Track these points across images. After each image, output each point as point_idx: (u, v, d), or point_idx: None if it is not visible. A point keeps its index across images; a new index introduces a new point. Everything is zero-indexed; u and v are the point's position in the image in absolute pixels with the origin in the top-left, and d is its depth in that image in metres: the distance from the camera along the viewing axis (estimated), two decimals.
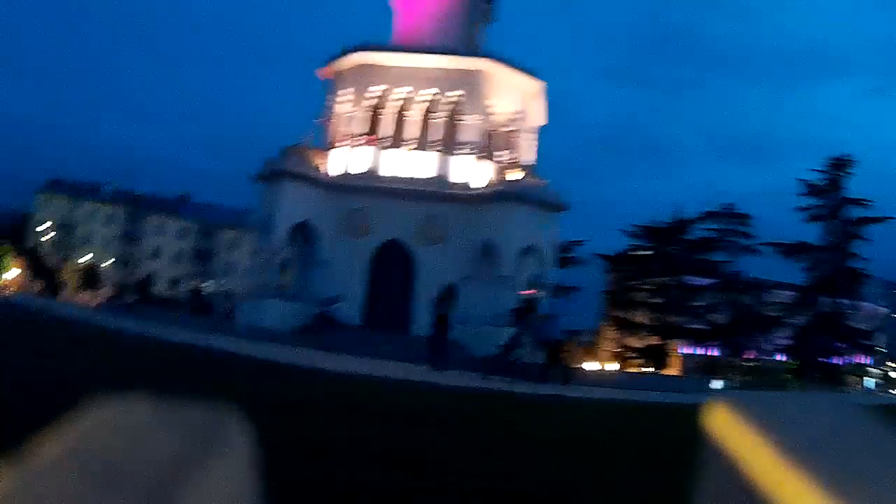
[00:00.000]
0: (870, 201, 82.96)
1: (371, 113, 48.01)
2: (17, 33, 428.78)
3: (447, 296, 29.99)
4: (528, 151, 49.43)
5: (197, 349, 18.73)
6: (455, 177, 45.57)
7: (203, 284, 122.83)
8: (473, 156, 45.89)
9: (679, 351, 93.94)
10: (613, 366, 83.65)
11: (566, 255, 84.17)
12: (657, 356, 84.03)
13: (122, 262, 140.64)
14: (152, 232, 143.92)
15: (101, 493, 0.34)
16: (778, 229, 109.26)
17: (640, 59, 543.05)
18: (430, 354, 27.87)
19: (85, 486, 0.35)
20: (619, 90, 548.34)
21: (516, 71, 48.70)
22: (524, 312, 39.77)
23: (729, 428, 0.41)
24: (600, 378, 38.96)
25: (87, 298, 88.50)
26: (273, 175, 45.79)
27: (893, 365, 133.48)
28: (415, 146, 46.51)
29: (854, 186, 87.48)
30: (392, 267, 43.77)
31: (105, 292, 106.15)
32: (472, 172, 45.39)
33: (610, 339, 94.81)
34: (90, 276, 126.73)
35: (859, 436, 0.40)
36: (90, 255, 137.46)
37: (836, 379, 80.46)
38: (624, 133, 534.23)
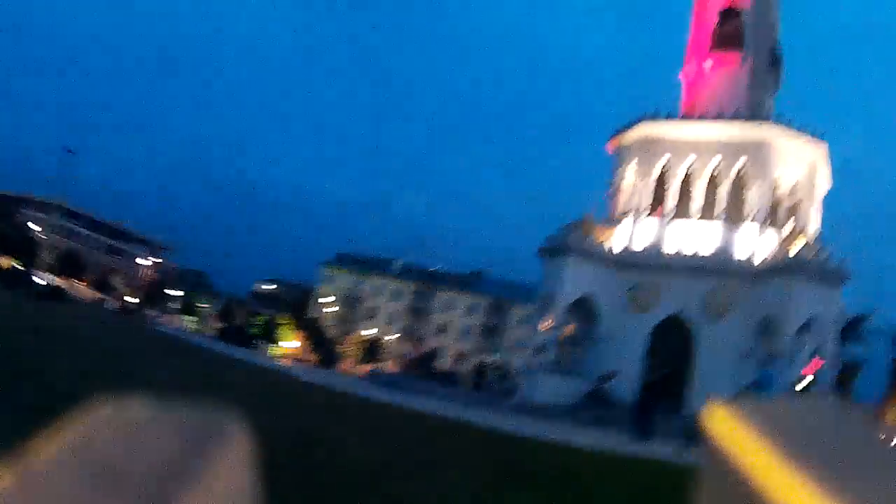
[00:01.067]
0: None
1: (655, 185, 48.34)
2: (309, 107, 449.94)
3: (658, 364, 29.52)
4: (812, 219, 48.60)
5: (423, 415, 19.14)
6: (738, 249, 45.37)
7: (488, 359, 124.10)
8: (757, 225, 45.52)
9: None
10: None
11: (853, 329, 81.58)
12: None
13: (408, 337, 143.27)
14: (442, 307, 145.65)
15: (101, 493, 0.35)
16: None
17: None
18: (634, 424, 26.99)
19: (85, 486, 0.35)
20: None
21: (800, 135, 48.16)
22: (805, 387, 39.06)
23: (730, 431, 0.41)
24: None
25: (365, 370, 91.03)
26: (556, 250, 46.52)
27: None
28: (699, 216, 46.51)
29: None
30: (672, 343, 43.57)
31: (384, 365, 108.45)
32: (755, 244, 45.03)
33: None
34: (371, 349, 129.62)
35: (859, 439, 0.40)
36: (374, 329, 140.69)
37: None
38: None
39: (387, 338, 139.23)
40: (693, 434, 26.83)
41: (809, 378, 40.72)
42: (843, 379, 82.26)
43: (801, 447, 0.38)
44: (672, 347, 42.74)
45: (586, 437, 22.03)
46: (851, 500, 0.35)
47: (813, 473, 0.37)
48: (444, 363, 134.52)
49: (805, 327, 42.43)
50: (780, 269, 42.50)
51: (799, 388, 38.98)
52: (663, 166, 48.20)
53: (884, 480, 0.37)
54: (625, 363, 43.06)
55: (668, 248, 46.34)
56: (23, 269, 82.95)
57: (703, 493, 0.42)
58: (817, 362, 42.73)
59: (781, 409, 0.42)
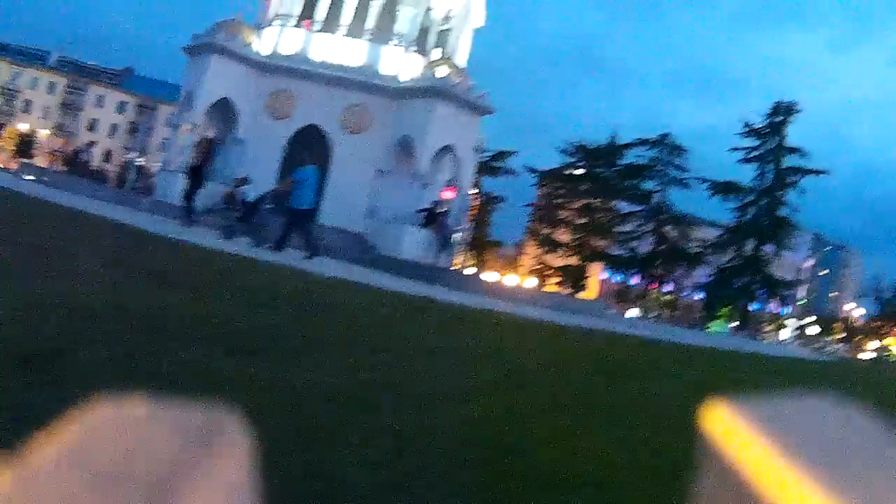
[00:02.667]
0: (807, 151, 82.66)
1: None
2: None
3: (202, 150, 30.42)
4: (460, 51, 48.41)
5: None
6: (384, 68, 44.41)
7: (134, 159, 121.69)
8: (404, 48, 44.86)
9: (598, 275, 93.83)
10: (532, 282, 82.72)
11: (496, 165, 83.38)
12: (575, 277, 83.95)
13: (60, 133, 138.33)
14: (92, 103, 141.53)
15: (101, 493, 0.34)
16: (717, 169, 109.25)
17: None
18: (183, 212, 29.00)
19: (85, 486, 0.34)
20: (578, 6, 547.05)
21: None
22: (435, 213, 39.20)
23: (728, 429, 0.41)
24: (494, 288, 37.96)
25: (17, 166, 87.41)
26: (201, 48, 44.64)
27: (811, 319, 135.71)
28: (346, 32, 45.38)
29: (796, 137, 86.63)
30: (308, 153, 42.77)
31: (36, 161, 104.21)
32: (402, 65, 44.25)
33: (531, 255, 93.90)
34: (24, 144, 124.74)
35: (858, 437, 0.40)
36: (27, 123, 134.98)
37: (750, 324, 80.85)
38: (578, 51, 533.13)
39: (39, 132, 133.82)
40: (315, 244, 26.53)
41: (447, 201, 40.97)
42: (481, 210, 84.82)
43: (801, 447, 0.38)
44: (308, 158, 41.90)
45: (206, 239, 21.51)
46: (851, 499, 0.35)
47: (812, 473, 0.37)
48: (93, 160, 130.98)
49: (444, 153, 42.57)
50: (424, 90, 42.14)
51: (431, 210, 39.04)
52: None
53: (883, 480, 0.37)
54: (260, 170, 41.97)
55: (314, 58, 44.93)
56: None
57: (703, 492, 0.41)
58: (451, 189, 43.06)
59: (781, 407, 0.42)
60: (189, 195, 29.45)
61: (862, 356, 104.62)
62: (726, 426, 0.41)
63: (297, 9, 46.41)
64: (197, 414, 0.40)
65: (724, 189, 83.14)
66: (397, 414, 5.67)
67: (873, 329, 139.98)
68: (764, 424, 0.40)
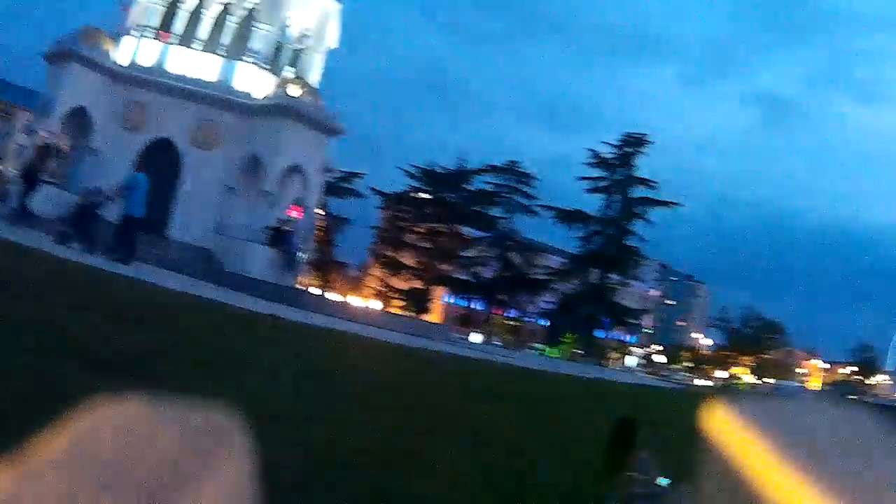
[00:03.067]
0: (656, 183, 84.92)
1: (168, 6, 46.91)
2: None
3: (39, 155, 31.83)
4: (313, 71, 49.03)
5: None
6: (238, 84, 44.88)
7: None
8: (258, 65, 45.48)
9: (442, 299, 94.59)
10: (376, 304, 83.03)
11: (343, 186, 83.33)
12: (419, 301, 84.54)
13: None
14: None
15: (101, 493, 0.34)
16: (569, 197, 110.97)
17: (457, 4, 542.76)
18: (14, 214, 30.42)
19: (85, 486, 0.34)
20: (431, 32, 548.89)
21: None
22: (281, 232, 39.98)
23: (727, 429, 0.40)
24: (330, 306, 38.81)
25: None
26: (60, 56, 44.46)
27: (658, 347, 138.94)
28: (203, 47, 45.83)
29: (648, 169, 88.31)
30: (159, 167, 42.98)
31: None
32: (255, 83, 44.82)
33: (376, 276, 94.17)
34: None
35: (857, 436, 0.40)
36: None
37: (595, 351, 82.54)
38: (431, 78, 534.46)
39: None
40: (133, 250, 27.12)
41: (293, 220, 41.66)
42: (328, 230, 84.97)
43: (800, 446, 0.38)
44: (158, 172, 42.18)
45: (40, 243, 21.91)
46: (851, 499, 0.35)
47: (811, 473, 0.36)
48: None
49: (292, 172, 43.18)
50: (274, 108, 42.78)
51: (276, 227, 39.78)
52: None
53: (883, 480, 0.37)
54: (111, 181, 42.13)
55: (170, 71, 45.23)
56: None
57: (703, 492, 0.41)
58: (298, 209, 43.74)
59: (780, 407, 0.42)
60: (23, 197, 30.91)
61: (706, 383, 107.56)
62: (725, 426, 0.41)
63: (156, 20, 46.44)
64: (197, 414, 0.41)
65: (570, 217, 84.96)
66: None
67: (720, 358, 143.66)
68: (763, 424, 0.40)
